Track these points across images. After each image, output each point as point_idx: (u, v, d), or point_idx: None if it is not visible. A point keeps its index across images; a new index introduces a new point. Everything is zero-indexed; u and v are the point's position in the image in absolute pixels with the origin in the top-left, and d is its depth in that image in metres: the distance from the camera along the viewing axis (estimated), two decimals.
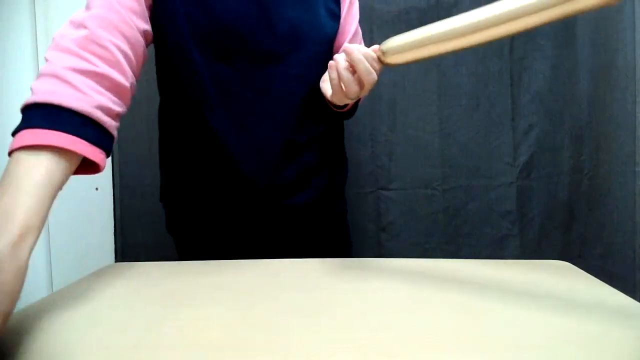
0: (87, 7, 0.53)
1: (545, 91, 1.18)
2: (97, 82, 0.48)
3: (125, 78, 0.52)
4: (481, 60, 1.17)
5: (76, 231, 1.19)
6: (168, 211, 0.81)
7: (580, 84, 1.18)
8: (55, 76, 0.46)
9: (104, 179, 1.19)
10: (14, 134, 0.43)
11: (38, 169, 0.40)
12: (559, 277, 0.57)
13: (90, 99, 0.46)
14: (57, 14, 1.15)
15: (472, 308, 0.46)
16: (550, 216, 1.20)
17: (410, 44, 0.50)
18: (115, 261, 1.19)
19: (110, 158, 1.19)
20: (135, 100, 1.17)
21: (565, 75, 1.18)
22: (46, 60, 0.49)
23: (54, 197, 0.40)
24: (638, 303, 0.46)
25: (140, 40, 0.58)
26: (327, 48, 0.74)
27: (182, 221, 0.79)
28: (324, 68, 0.64)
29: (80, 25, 0.50)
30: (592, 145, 1.19)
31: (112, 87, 0.50)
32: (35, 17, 1.15)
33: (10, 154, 0.41)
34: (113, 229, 1.20)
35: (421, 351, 0.36)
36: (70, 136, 0.43)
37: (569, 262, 0.63)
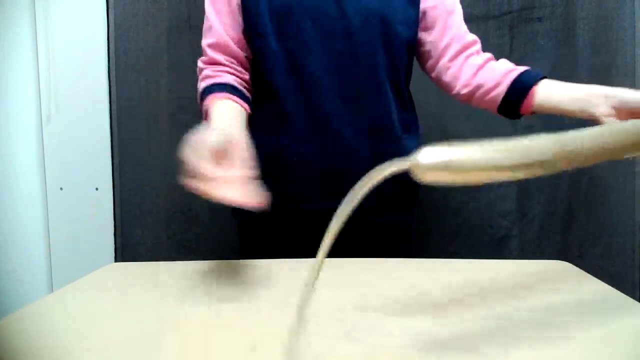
0: (205, 36, 0.76)
1: None
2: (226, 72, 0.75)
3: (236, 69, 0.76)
4: None
5: (76, 231, 1.19)
6: None
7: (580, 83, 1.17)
8: (210, 77, 0.74)
9: (104, 179, 1.19)
10: (204, 96, 0.71)
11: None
12: (559, 277, 0.57)
13: (229, 78, 0.74)
14: (57, 14, 1.15)
15: (472, 308, 0.46)
16: (550, 216, 1.20)
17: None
18: (115, 261, 1.19)
19: (110, 158, 1.20)
20: (135, 100, 1.18)
21: (565, 76, 1.17)
22: (198, 73, 0.77)
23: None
24: (638, 303, 0.46)
25: (239, 51, 0.76)
26: (401, 28, 0.74)
27: (249, 211, 0.80)
28: (397, 49, 0.73)
29: (204, 54, 0.76)
30: None
31: (235, 73, 0.76)
32: (35, 17, 1.15)
33: (207, 108, 0.69)
34: (113, 229, 1.20)
35: (421, 351, 0.36)
36: (224, 93, 0.70)
37: (569, 262, 0.63)
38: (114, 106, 1.17)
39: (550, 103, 0.68)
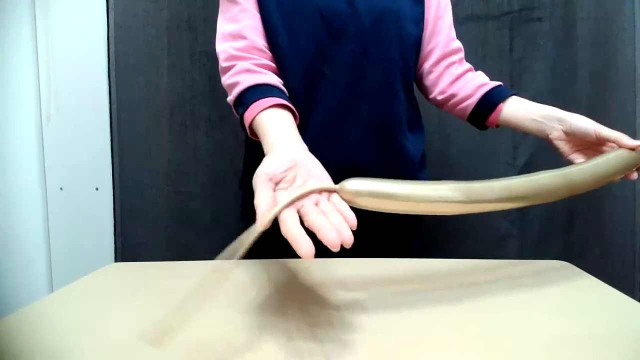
0: (235, 20, 0.69)
1: (545, 91, 1.18)
2: (269, 69, 0.69)
3: (274, 64, 0.71)
4: (481, 60, 1.17)
5: (76, 231, 1.19)
6: (245, 198, 0.81)
7: (580, 84, 1.17)
8: (248, 70, 0.66)
9: (104, 179, 1.19)
10: (246, 106, 0.62)
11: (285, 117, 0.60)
12: (559, 277, 0.57)
13: (274, 78, 0.67)
14: (57, 14, 1.15)
15: (472, 308, 0.46)
16: (550, 216, 1.20)
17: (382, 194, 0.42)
18: (115, 261, 1.19)
19: (110, 158, 1.19)
20: (135, 100, 1.18)
21: (565, 75, 1.18)
22: (225, 67, 0.68)
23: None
24: (638, 303, 0.46)
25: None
26: (410, 27, 0.74)
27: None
28: (408, 48, 0.73)
29: (239, 36, 0.68)
30: None
31: (274, 71, 0.70)
32: (35, 17, 1.15)
33: (252, 119, 0.61)
34: (113, 229, 1.20)
35: (421, 351, 0.36)
36: (281, 99, 0.62)
37: (569, 262, 0.63)
38: (114, 106, 1.17)
39: (513, 120, 0.72)
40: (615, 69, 1.16)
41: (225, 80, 0.69)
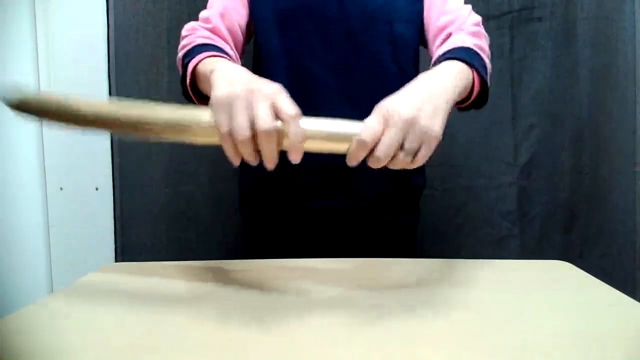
0: (210, 7, 0.72)
1: (546, 91, 1.18)
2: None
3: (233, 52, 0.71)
4: None
5: (76, 231, 1.19)
6: (243, 193, 0.83)
7: (580, 84, 1.17)
8: (206, 37, 0.67)
9: (104, 179, 1.19)
10: (192, 56, 0.63)
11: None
12: (559, 277, 0.57)
13: (230, 50, 0.68)
14: (57, 14, 1.15)
15: (472, 308, 0.46)
16: (551, 216, 1.20)
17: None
18: (115, 261, 1.19)
19: (110, 158, 1.19)
20: (135, 100, 1.17)
21: (565, 75, 1.18)
22: (184, 36, 0.71)
23: None
24: (638, 303, 0.46)
25: (240, 37, 0.74)
26: (406, 26, 0.72)
27: (255, 207, 0.81)
28: (401, 48, 0.72)
29: (207, 20, 0.70)
30: (592, 145, 1.19)
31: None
32: (35, 17, 1.15)
33: (195, 66, 0.62)
34: (113, 229, 1.20)
35: (421, 351, 0.36)
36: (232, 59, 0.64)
37: (570, 262, 0.63)
38: None
39: None
40: (615, 69, 1.16)
41: (182, 43, 0.70)
